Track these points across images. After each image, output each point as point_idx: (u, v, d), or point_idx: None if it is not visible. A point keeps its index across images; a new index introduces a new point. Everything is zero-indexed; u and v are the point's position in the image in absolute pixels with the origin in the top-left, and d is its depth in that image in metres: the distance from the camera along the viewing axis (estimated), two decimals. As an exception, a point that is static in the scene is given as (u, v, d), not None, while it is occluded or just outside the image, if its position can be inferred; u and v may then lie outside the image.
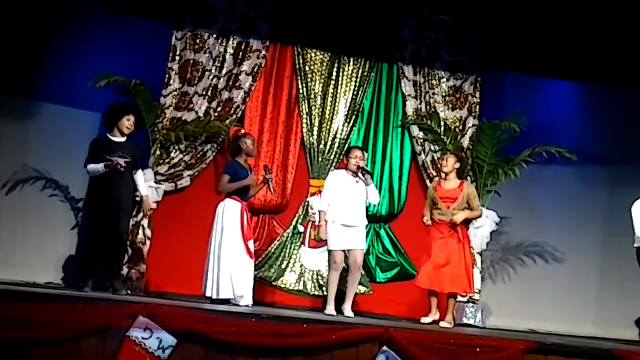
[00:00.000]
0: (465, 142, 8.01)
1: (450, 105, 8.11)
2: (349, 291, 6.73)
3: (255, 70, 7.82)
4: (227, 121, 7.70)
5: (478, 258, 7.71)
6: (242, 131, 6.98)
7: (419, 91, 8.08)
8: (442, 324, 6.54)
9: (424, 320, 6.59)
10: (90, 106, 7.53)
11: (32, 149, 7.71)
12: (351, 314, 6.61)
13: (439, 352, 4.97)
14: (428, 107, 8.07)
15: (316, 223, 7.68)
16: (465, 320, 7.38)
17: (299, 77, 8.00)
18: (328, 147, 7.95)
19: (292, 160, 7.91)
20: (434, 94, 8.11)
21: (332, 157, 7.93)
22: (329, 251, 6.77)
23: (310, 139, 7.94)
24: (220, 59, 7.80)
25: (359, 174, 6.74)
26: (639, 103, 8.38)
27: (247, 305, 6.33)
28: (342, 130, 8.00)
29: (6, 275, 6.74)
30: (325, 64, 8.06)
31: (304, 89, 8.00)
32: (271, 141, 7.89)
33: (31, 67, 7.70)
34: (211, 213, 6.61)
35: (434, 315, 6.65)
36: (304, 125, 7.95)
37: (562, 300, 8.18)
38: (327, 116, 7.99)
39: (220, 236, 6.41)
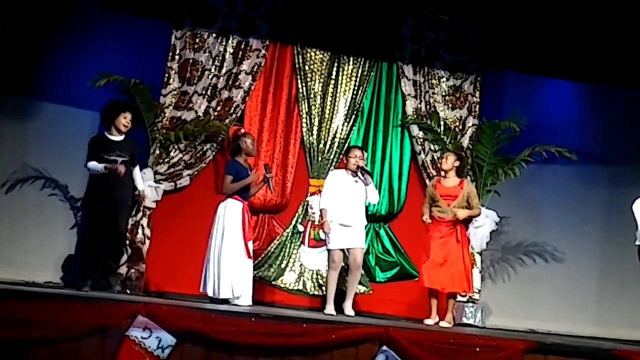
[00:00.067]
0: (465, 141, 8.01)
1: (450, 105, 8.11)
2: (349, 290, 6.74)
3: (254, 69, 7.81)
4: (227, 120, 7.70)
5: (478, 258, 7.71)
6: (242, 130, 6.98)
7: (418, 91, 8.08)
8: (441, 323, 6.54)
9: (428, 322, 6.58)
10: (89, 106, 7.52)
11: (32, 149, 7.71)
12: (352, 313, 6.62)
13: (438, 351, 4.97)
14: (428, 106, 8.06)
15: (316, 222, 7.71)
16: (465, 320, 7.37)
17: (298, 77, 8.00)
18: (328, 146, 7.95)
19: (292, 160, 7.90)
20: (433, 93, 8.10)
21: (331, 156, 7.93)
22: (328, 250, 6.78)
23: (310, 138, 7.94)
24: (220, 58, 7.80)
25: (359, 174, 6.74)
26: (639, 103, 8.37)
27: (246, 305, 6.33)
28: (342, 129, 8.00)
29: (6, 274, 6.73)
30: (325, 63, 8.06)
31: (304, 89, 7.99)
32: (271, 141, 7.89)
33: (31, 67, 7.69)
34: (210, 212, 6.61)
35: (435, 318, 6.64)
36: (304, 124, 7.95)
37: (562, 300, 8.18)
38: (326, 116, 7.99)
39: (221, 236, 6.40)
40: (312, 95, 7.99)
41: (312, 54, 8.05)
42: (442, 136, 7.94)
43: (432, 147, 7.97)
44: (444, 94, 8.12)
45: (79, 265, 6.59)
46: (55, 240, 7.59)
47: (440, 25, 8.17)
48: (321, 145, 7.94)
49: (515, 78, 8.43)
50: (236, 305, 6.24)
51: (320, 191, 7.39)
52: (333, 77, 8.05)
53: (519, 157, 7.82)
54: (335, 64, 8.07)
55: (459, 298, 7.13)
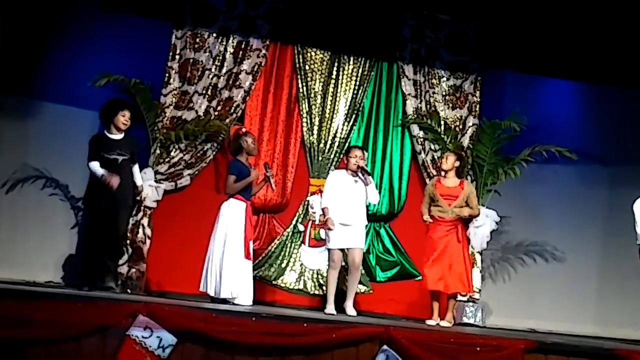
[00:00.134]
0: (466, 141, 8.01)
1: (451, 105, 8.11)
2: (350, 290, 6.74)
3: (255, 69, 7.81)
4: (227, 120, 7.70)
5: (478, 257, 7.71)
6: (243, 130, 6.96)
7: (419, 90, 8.08)
8: (442, 323, 6.54)
9: (429, 322, 6.58)
10: (90, 105, 7.50)
11: (32, 148, 7.71)
12: (354, 312, 6.62)
13: (439, 351, 4.97)
14: (428, 106, 8.07)
15: (316, 222, 7.71)
16: (465, 320, 7.38)
17: (299, 76, 8.00)
18: (328, 146, 7.95)
19: (292, 160, 7.91)
20: (434, 93, 8.11)
21: (332, 156, 7.93)
22: (328, 250, 6.78)
23: (311, 138, 7.94)
24: (220, 58, 7.80)
25: (359, 174, 6.74)
26: (639, 103, 8.38)
27: (247, 305, 6.32)
28: (342, 129, 8.00)
29: (6, 274, 6.74)
30: (325, 63, 8.06)
31: (304, 88, 8.00)
32: (271, 140, 7.89)
33: (31, 67, 7.69)
34: (211, 212, 6.61)
35: (436, 320, 6.64)
36: (304, 124, 7.95)
37: (562, 299, 8.18)
38: (327, 115, 7.99)
39: (224, 236, 6.39)
40: (312, 95, 7.99)
41: (313, 53, 8.05)
42: (442, 136, 7.94)
43: (433, 147, 7.97)
44: (444, 93, 8.13)
45: (79, 265, 6.59)
46: (55, 239, 7.59)
47: (441, 25, 8.17)
48: (321, 145, 7.94)
49: (515, 78, 8.43)
50: (237, 304, 6.24)
51: (320, 191, 7.41)
52: (333, 76, 8.05)
53: (519, 156, 7.82)
54: (336, 64, 8.07)
55: (460, 297, 7.12)
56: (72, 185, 7.64)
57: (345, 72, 8.08)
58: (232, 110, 7.74)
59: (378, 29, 8.11)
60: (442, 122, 8.00)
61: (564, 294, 8.21)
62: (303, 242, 7.83)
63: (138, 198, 6.92)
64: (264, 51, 7.85)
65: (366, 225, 6.92)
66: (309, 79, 8.01)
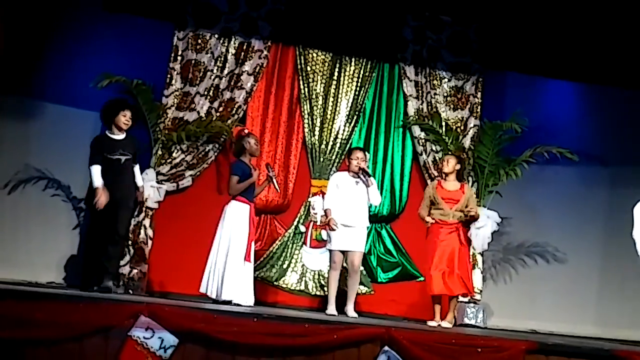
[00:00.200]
0: (467, 142, 8.02)
1: (452, 106, 8.12)
2: (350, 293, 6.72)
3: (257, 70, 7.82)
4: (229, 121, 7.71)
5: (479, 258, 7.71)
6: (246, 131, 6.95)
7: (420, 91, 8.09)
8: (442, 323, 6.54)
9: (431, 324, 6.58)
10: (91, 106, 7.50)
11: (34, 149, 7.71)
12: (355, 315, 6.61)
13: (440, 352, 4.97)
14: (429, 107, 8.07)
15: (318, 223, 7.72)
16: (466, 321, 7.38)
17: (300, 78, 8.01)
18: (329, 147, 7.96)
19: (294, 161, 7.92)
20: (435, 94, 8.11)
21: (333, 157, 7.94)
22: (329, 251, 6.79)
23: (312, 139, 7.95)
24: (222, 59, 7.81)
25: (360, 176, 6.74)
26: (639, 103, 8.38)
27: (248, 306, 6.33)
28: (344, 130, 8.01)
29: (8, 275, 6.74)
30: (326, 64, 8.07)
31: (306, 89, 8.00)
32: (273, 141, 7.90)
33: (32, 67, 7.69)
34: (213, 213, 6.61)
35: (438, 321, 6.64)
36: (306, 125, 7.96)
37: (563, 300, 8.18)
38: (328, 116, 8.00)
39: (227, 238, 6.39)
40: (314, 96, 8.00)
41: (314, 54, 8.06)
42: (443, 137, 7.95)
43: (434, 148, 7.98)
44: (445, 94, 8.13)
45: (81, 266, 6.59)
46: (57, 240, 7.59)
47: (442, 26, 8.18)
48: (323, 146, 7.95)
49: (516, 79, 8.44)
50: (238, 305, 6.24)
51: (322, 192, 7.42)
52: (335, 77, 8.06)
53: (520, 157, 7.83)
54: (337, 65, 8.08)
55: (461, 298, 7.12)
56: (74, 186, 7.65)
57: (347, 73, 8.08)
58: (233, 111, 7.75)
59: (379, 30, 8.11)
60: (444, 123, 8.01)
61: (564, 295, 8.21)
62: (304, 243, 7.84)
63: (140, 199, 6.92)
64: (265, 52, 7.86)
65: (368, 227, 6.91)
66: (310, 80, 8.02)
